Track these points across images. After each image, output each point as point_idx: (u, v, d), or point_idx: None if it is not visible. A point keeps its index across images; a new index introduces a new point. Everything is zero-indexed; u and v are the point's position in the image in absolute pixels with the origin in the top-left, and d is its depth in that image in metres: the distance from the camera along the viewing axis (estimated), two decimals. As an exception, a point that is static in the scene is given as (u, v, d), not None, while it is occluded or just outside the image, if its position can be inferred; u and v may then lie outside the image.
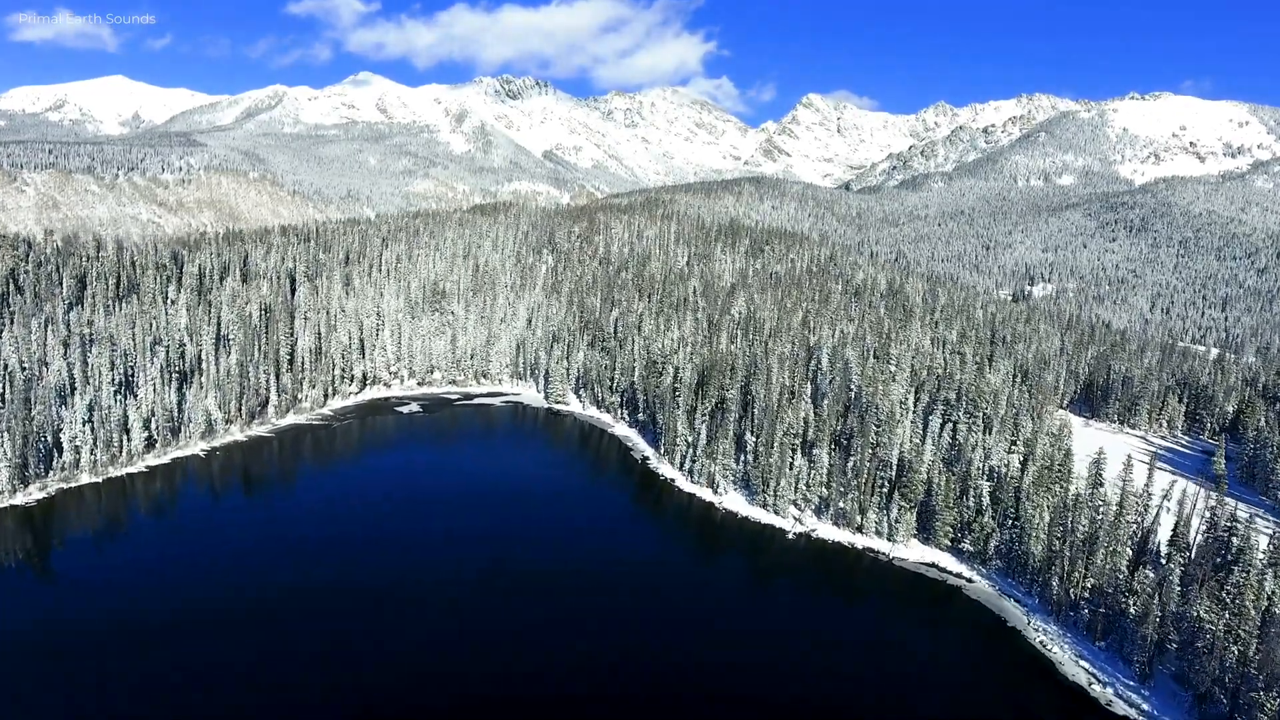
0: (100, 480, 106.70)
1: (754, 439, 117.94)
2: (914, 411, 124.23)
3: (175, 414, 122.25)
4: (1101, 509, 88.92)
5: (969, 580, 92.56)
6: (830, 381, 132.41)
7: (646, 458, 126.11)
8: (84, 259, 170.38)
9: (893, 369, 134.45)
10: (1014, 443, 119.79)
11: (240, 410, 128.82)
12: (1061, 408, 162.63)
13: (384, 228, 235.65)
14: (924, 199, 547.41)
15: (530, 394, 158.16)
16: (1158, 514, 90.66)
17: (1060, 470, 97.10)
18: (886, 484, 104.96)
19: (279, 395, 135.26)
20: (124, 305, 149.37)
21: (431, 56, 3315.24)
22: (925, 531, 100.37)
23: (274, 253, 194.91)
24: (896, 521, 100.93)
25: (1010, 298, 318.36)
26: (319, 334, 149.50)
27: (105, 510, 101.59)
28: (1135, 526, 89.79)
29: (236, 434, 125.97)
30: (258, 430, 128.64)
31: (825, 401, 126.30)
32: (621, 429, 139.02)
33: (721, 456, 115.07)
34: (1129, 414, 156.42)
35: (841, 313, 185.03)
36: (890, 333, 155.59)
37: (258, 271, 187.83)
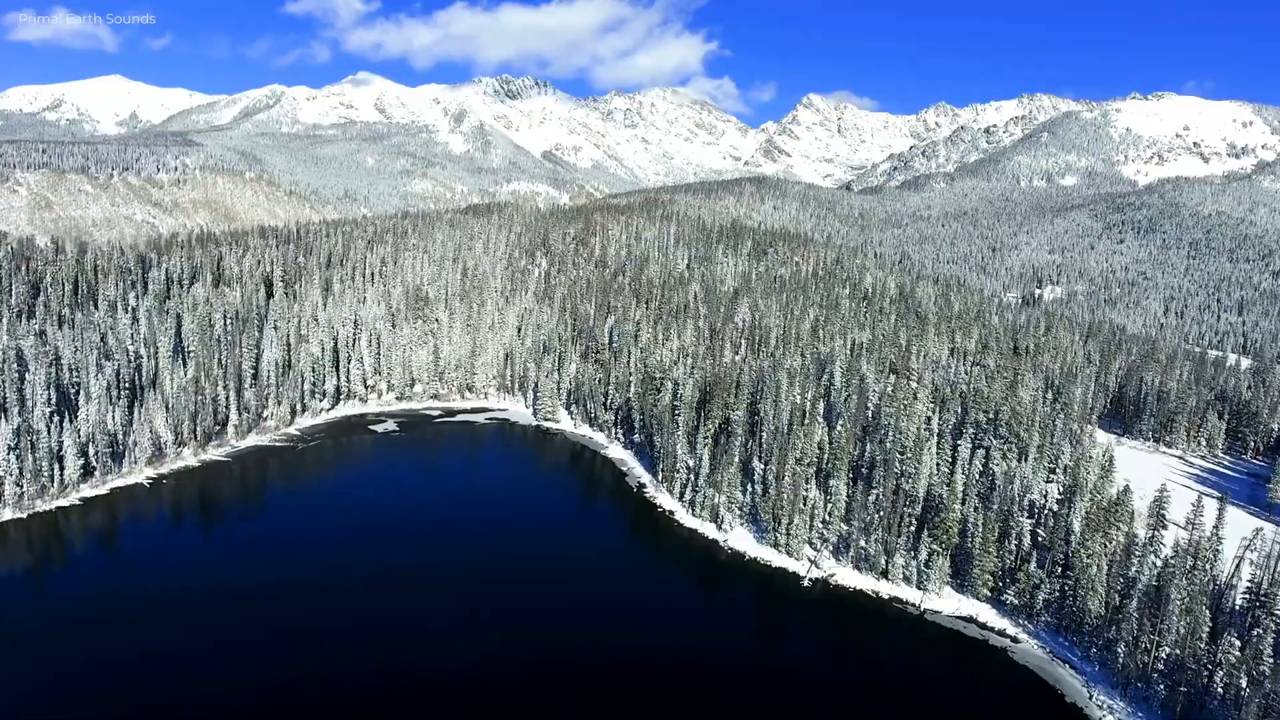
0: (25, 515, 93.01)
1: (762, 466, 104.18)
2: (939, 434, 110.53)
3: (120, 437, 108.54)
4: (1173, 558, 75.10)
5: (1014, 640, 78.76)
6: (845, 399, 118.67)
7: (643, 485, 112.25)
8: (42, 263, 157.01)
9: (914, 385, 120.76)
10: (1053, 471, 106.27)
11: (195, 431, 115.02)
12: (1090, 424, 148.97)
13: (370, 229, 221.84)
14: (926, 199, 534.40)
15: (518, 410, 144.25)
16: (1238, 564, 76.94)
17: (1117, 510, 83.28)
18: (914, 521, 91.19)
19: (240, 413, 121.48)
20: (78, 313, 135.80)
21: (430, 56, 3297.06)
22: (961, 578, 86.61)
23: (250, 256, 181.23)
24: (927, 566, 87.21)
25: (1020, 301, 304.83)
26: (288, 344, 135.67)
27: (26, 551, 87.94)
28: (1209, 578, 76.10)
29: (189, 458, 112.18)
30: (214, 453, 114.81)
31: (840, 422, 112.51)
32: (616, 450, 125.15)
33: (726, 486, 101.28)
34: (1164, 431, 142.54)
35: (852, 320, 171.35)
36: (908, 344, 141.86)
37: (231, 276, 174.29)
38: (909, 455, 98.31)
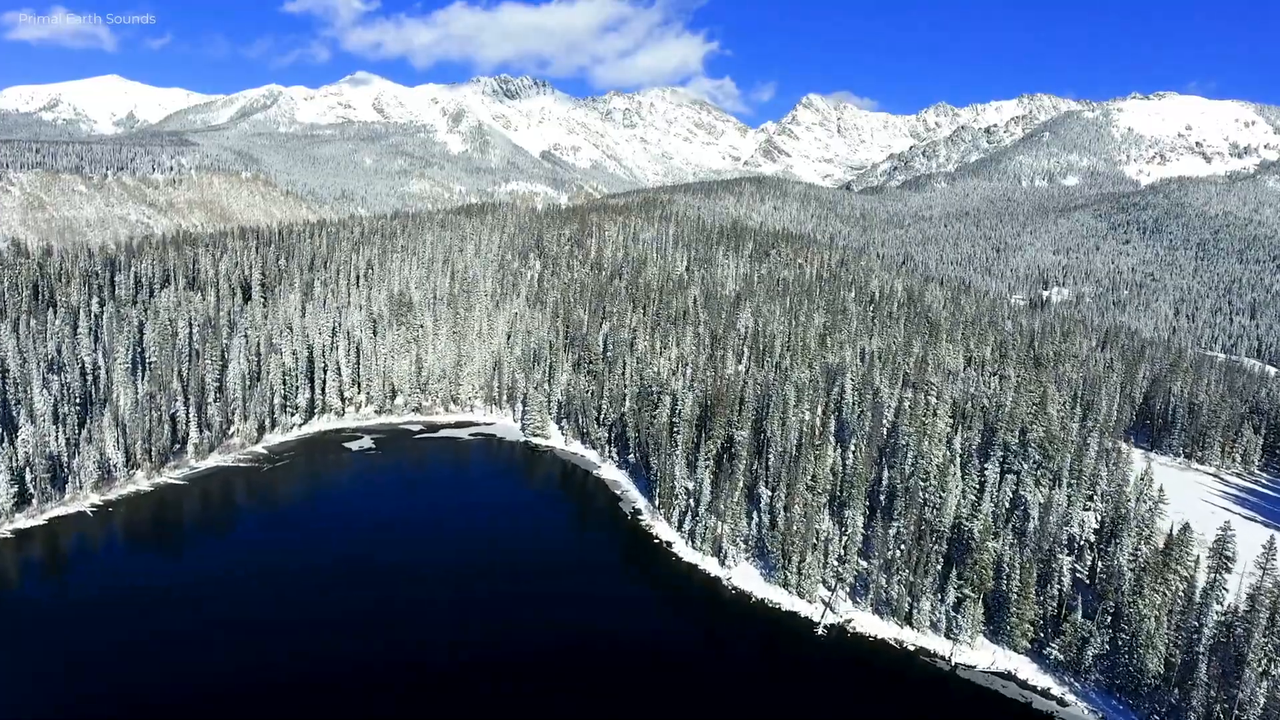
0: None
1: (769, 492, 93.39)
2: (962, 456, 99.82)
3: (64, 459, 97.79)
4: (1247, 610, 64.40)
5: (1060, 701, 68.04)
6: (858, 416, 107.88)
7: (638, 511, 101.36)
8: (2, 266, 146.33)
9: (933, 400, 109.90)
10: (1090, 498, 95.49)
11: (149, 452, 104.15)
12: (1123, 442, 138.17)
13: (356, 230, 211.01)
14: (927, 199, 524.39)
15: (505, 424, 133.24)
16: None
17: (1176, 553, 72.48)
18: (940, 559, 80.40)
19: (201, 431, 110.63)
20: (33, 320, 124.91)
21: (430, 56, 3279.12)
22: (995, 626, 75.88)
23: (227, 258, 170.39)
24: (956, 611, 76.53)
25: (1029, 304, 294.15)
26: (258, 354, 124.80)
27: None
28: None
29: (141, 482, 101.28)
30: (170, 476, 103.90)
31: (853, 441, 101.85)
32: (609, 470, 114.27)
33: (730, 515, 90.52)
34: (1195, 447, 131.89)
35: (861, 327, 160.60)
36: (923, 354, 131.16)
37: (206, 280, 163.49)
38: (932, 483, 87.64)
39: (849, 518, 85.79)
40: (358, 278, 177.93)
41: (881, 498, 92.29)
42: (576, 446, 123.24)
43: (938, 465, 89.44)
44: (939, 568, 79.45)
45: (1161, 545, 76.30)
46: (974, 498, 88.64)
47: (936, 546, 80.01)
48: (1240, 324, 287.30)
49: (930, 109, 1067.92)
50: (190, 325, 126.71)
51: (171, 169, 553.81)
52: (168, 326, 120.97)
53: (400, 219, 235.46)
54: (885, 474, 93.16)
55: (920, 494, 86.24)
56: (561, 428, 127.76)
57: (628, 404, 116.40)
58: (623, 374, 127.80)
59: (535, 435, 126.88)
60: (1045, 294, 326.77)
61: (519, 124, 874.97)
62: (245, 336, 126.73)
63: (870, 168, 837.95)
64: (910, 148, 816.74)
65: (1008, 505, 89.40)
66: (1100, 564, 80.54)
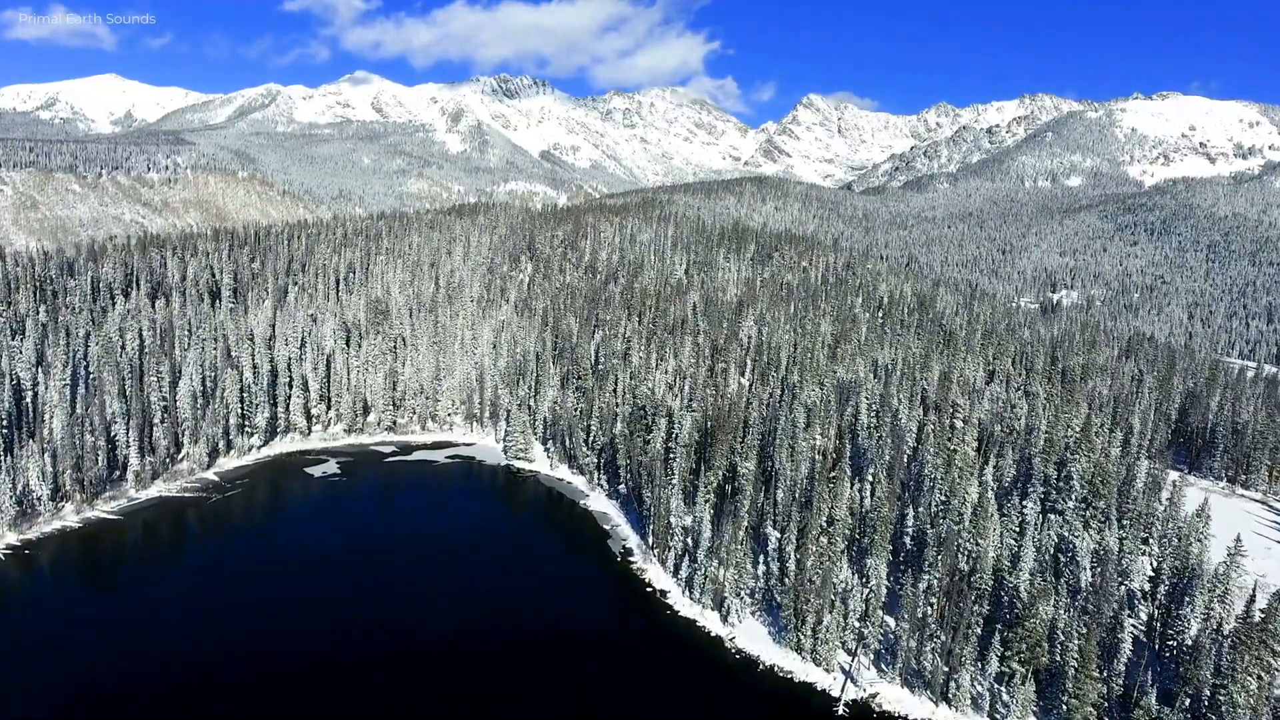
0: None
1: (778, 534, 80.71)
2: (996, 490, 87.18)
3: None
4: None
5: (1134, 807, 55.41)
6: (875, 440, 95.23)
7: (629, 551, 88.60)
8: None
9: (959, 424, 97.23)
10: (1145, 540, 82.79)
11: (81, 482, 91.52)
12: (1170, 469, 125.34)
13: (338, 231, 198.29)
14: (930, 200, 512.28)
15: (486, 444, 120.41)
16: None
17: (1275, 626, 59.64)
18: (980, 621, 67.70)
19: (143, 456, 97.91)
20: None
21: (429, 56, 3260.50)
22: (1049, 703, 63.14)
23: (196, 261, 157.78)
24: (1000, 684, 63.95)
25: (1040, 308, 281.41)
26: (214, 368, 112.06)
27: None
28: None
29: (69, 517, 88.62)
30: (103, 509, 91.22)
31: (871, 472, 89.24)
32: (598, 500, 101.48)
33: (733, 561, 77.83)
34: (1239, 469, 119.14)
35: (872, 337, 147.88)
36: (946, 370, 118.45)
37: (171, 285, 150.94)
38: (966, 525, 74.94)
39: (871, 567, 73.07)
40: (338, 282, 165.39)
41: (906, 540, 79.67)
42: (563, 471, 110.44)
43: (971, 504, 76.74)
44: (979, 632, 66.75)
45: (1243, 606, 63.68)
46: (1013, 542, 76.05)
47: (976, 606, 67.26)
48: (1257, 328, 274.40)
49: (931, 109, 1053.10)
50: (141, 337, 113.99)
51: (167, 168, 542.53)
52: (112, 338, 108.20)
53: (386, 220, 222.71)
54: (910, 513, 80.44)
55: (953, 539, 73.54)
56: (547, 450, 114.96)
57: (619, 426, 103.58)
58: (614, 390, 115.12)
59: (518, 458, 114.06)
60: (1054, 297, 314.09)
61: (518, 124, 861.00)
62: (202, 349, 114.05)
63: (871, 168, 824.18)
64: (911, 148, 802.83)
65: (1052, 551, 76.77)
66: (1167, 627, 68.01)
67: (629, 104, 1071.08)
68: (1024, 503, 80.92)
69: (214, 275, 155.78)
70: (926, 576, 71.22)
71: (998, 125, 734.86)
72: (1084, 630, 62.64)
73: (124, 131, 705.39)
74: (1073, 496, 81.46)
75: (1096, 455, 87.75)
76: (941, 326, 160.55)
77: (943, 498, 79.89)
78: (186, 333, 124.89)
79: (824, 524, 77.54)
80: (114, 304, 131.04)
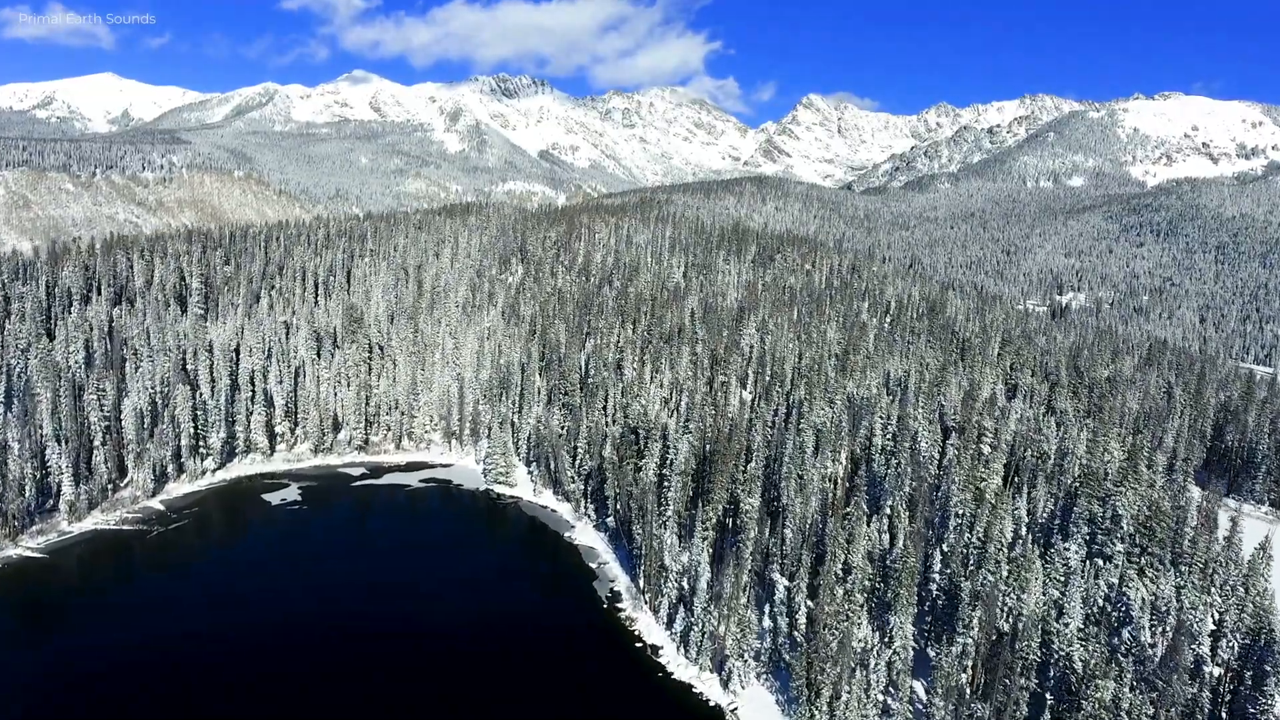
0: None
1: (786, 582, 69.87)
2: (1032, 529, 76.47)
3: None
4: None
5: None
6: (894, 468, 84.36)
7: (616, 595, 77.72)
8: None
9: (985, 450, 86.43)
10: (1207, 589, 71.78)
11: (4, 514, 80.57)
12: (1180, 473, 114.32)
13: (320, 232, 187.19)
14: (931, 200, 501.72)
15: (465, 466, 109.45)
16: None
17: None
18: (1026, 695, 56.86)
19: (78, 484, 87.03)
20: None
21: (428, 55, 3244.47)
22: (1111, 803, 52.36)
23: (165, 264, 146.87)
24: (1054, 777, 53.16)
25: (1047, 310, 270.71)
26: (165, 383, 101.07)
27: None
28: None
29: (-14, 556, 77.81)
30: (26, 546, 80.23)
31: (889, 505, 78.36)
32: (585, 533, 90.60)
33: (735, 614, 66.95)
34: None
35: (882, 345, 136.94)
36: (967, 384, 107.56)
37: (135, 290, 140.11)
38: (1003, 576, 64.09)
39: (895, 625, 62.24)
40: (317, 287, 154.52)
41: (933, 587, 68.79)
42: (547, 497, 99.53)
43: (1013, 557, 65.85)
44: (1026, 712, 55.89)
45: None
46: (1057, 593, 65.22)
47: (1024, 680, 56.37)
48: (1272, 332, 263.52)
49: (931, 109, 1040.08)
50: (88, 348, 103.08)
51: (162, 167, 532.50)
52: (53, 351, 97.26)
53: (372, 220, 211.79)
54: (936, 556, 69.56)
55: (989, 590, 62.69)
56: (531, 472, 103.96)
57: (609, 449, 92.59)
58: (604, 407, 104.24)
59: (499, 481, 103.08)
60: (1062, 300, 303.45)
61: (517, 123, 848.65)
62: (154, 361, 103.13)
63: (871, 168, 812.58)
64: (912, 148, 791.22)
65: (1101, 603, 65.96)
66: (1246, 703, 57.19)
67: (628, 104, 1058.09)
68: (1065, 544, 70.20)
69: (183, 279, 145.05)
70: (961, 640, 60.38)
71: (998, 125, 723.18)
72: (1152, 713, 51.85)
73: (121, 130, 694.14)
74: (1122, 538, 70.73)
75: (1143, 487, 76.93)
76: (954, 334, 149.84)
77: (975, 540, 69.01)
78: (146, 342, 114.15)
79: (839, 572, 66.68)
80: (69, 311, 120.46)
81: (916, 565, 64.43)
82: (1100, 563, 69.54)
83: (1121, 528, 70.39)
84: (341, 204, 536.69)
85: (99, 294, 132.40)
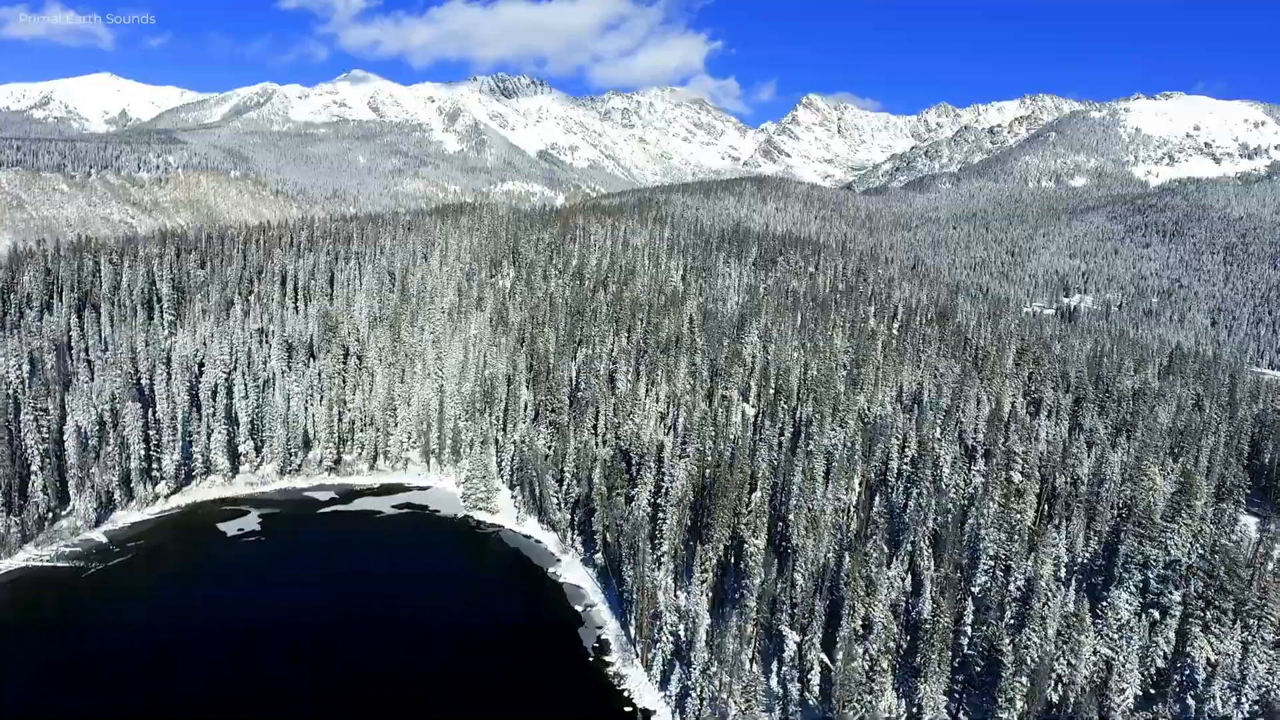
0: None
1: (798, 636, 60.53)
2: (1074, 574, 67.24)
3: None
4: None
5: None
6: (915, 497, 75.05)
7: (604, 644, 68.33)
8: None
9: (1016, 477, 77.04)
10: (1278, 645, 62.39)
11: (-80, 553, 71.32)
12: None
13: (303, 233, 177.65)
14: (933, 200, 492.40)
15: (444, 489, 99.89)
16: None
17: None
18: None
19: (9, 515, 77.64)
20: None
21: (427, 55, 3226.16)
22: None
23: (133, 269, 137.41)
24: None
25: (1055, 313, 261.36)
26: (113, 400, 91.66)
27: None
28: None
29: (-105, 602, 68.44)
30: (-57, 588, 71.02)
31: (908, 541, 69.05)
32: (571, 568, 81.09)
33: (739, 674, 57.63)
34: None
35: (892, 354, 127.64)
36: (993, 403, 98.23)
37: (101, 296, 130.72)
38: (1049, 636, 54.71)
39: (925, 695, 52.91)
40: (297, 291, 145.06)
41: (964, 643, 59.42)
42: (531, 525, 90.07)
43: (1062, 616, 56.48)
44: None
45: None
46: (1109, 651, 55.91)
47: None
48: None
49: (931, 109, 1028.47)
50: (33, 361, 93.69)
51: (158, 168, 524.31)
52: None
53: (358, 220, 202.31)
54: (969, 607, 60.22)
55: (1035, 653, 53.36)
56: (515, 497, 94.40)
57: (598, 473, 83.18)
58: (595, 425, 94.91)
59: (479, 507, 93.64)
60: (1069, 302, 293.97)
61: (516, 123, 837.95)
62: (105, 375, 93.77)
63: (871, 168, 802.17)
64: (912, 148, 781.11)
65: (1158, 664, 56.72)
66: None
67: (627, 103, 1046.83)
68: (1115, 591, 60.91)
69: (153, 284, 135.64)
70: (1004, 715, 51.01)
71: (999, 125, 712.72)
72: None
73: (119, 130, 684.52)
74: (1172, 581, 61.43)
75: (1196, 521, 67.63)
76: (967, 341, 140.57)
77: (1014, 589, 59.68)
78: (102, 354, 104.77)
79: (859, 629, 57.35)
80: (21, 321, 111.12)
81: (949, 626, 55.04)
82: (1155, 614, 60.35)
83: (1179, 573, 61.10)
84: (339, 204, 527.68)
85: (60, 301, 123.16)
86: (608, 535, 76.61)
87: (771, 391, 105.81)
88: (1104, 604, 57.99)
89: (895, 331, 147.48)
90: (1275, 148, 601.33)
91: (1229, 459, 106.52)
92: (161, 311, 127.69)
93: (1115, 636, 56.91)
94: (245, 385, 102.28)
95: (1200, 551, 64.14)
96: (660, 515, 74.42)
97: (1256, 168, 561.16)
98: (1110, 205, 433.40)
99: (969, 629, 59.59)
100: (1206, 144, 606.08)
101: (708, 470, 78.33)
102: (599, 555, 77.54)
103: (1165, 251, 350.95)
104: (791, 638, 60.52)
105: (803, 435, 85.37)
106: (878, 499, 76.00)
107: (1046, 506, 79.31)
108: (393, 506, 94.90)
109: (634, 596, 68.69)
